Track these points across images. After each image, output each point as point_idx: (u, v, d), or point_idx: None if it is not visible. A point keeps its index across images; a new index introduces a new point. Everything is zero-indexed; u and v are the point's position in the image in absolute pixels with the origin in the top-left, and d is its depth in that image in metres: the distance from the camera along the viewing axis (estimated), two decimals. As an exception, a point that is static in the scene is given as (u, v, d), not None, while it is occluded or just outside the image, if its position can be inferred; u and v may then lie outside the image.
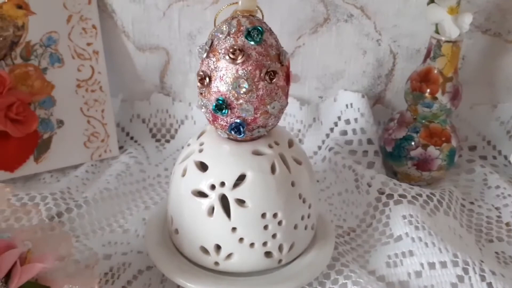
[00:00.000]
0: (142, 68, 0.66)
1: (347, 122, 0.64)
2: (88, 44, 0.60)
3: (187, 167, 0.39)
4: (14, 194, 0.49)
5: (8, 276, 0.31)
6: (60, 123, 0.59)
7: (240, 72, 0.35)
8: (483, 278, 0.42)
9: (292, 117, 0.67)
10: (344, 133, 0.64)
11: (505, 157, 0.65)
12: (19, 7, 0.54)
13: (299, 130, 0.66)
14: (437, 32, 0.52)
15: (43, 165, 0.58)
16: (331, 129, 0.65)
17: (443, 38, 0.52)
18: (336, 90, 0.65)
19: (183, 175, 0.39)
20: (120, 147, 0.65)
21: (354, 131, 0.63)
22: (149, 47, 0.65)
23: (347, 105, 0.64)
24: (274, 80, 0.35)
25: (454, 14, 0.49)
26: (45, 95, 0.58)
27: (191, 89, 0.67)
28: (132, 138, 0.68)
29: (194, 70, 0.65)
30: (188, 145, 0.41)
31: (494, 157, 0.65)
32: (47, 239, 0.36)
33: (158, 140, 0.68)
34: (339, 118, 0.65)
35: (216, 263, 0.39)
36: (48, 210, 0.48)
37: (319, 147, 0.65)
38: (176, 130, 0.68)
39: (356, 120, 0.63)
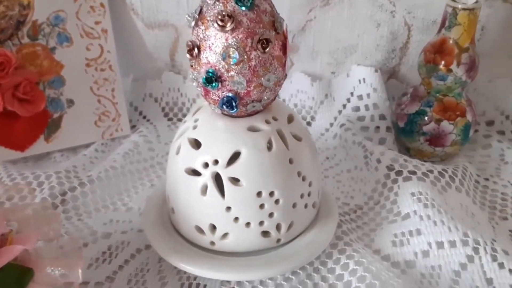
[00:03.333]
0: (152, 46, 0.62)
1: (360, 97, 0.59)
2: (97, 23, 0.57)
3: (181, 145, 0.36)
4: (20, 173, 0.47)
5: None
6: (70, 102, 0.57)
7: (230, 40, 0.30)
8: (494, 258, 0.37)
9: (303, 94, 0.62)
10: (357, 109, 0.59)
11: (525, 133, 0.58)
12: (24, -15, 0.51)
13: (311, 107, 0.62)
14: (452, -1, 0.46)
15: (54, 144, 0.56)
16: (344, 106, 0.60)
17: (459, 6, 0.46)
18: (349, 65, 0.60)
19: (177, 153, 0.36)
20: (133, 126, 0.62)
21: (366, 106, 0.58)
22: (158, 24, 0.61)
23: (359, 80, 0.59)
24: (267, 49, 0.31)
25: (470, -23, 0.44)
26: (54, 74, 0.55)
27: (201, 66, 0.63)
28: (145, 117, 0.65)
29: (202, 47, 0.61)
30: (184, 122, 0.38)
31: (512, 132, 0.59)
32: (35, 219, 0.33)
33: (170, 119, 0.65)
34: (351, 94, 0.60)
35: (212, 243, 0.36)
36: (52, 189, 0.45)
37: (331, 124, 0.60)
38: (188, 109, 0.65)
39: (368, 95, 0.58)
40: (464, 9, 0.46)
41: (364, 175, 0.50)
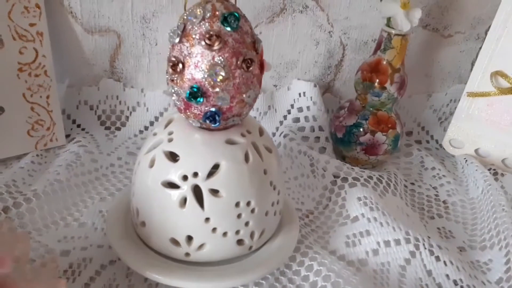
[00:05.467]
0: (90, 51, 0.60)
1: (300, 110, 0.63)
2: (31, 25, 0.53)
3: (156, 158, 0.36)
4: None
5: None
6: (0, 110, 0.52)
7: (216, 59, 0.32)
8: (431, 253, 0.43)
9: (248, 105, 0.65)
10: (297, 120, 0.63)
11: (437, 141, 0.68)
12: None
13: (255, 118, 0.64)
14: (387, 25, 0.52)
15: (-17, 155, 0.51)
16: (285, 117, 0.64)
17: (393, 31, 0.52)
18: (290, 79, 0.64)
19: (151, 166, 0.36)
20: (67, 136, 0.59)
21: (306, 118, 0.63)
22: (99, 29, 0.59)
23: (300, 94, 0.64)
24: (250, 68, 0.33)
25: (406, 9, 0.50)
26: (-18, 79, 0.51)
27: (144, 74, 0.62)
28: (79, 126, 0.62)
29: (147, 54, 0.61)
30: (154, 134, 0.38)
31: (427, 141, 0.68)
32: (1, 240, 0.31)
33: (107, 128, 0.63)
34: (292, 106, 0.64)
35: (187, 254, 0.36)
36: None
37: (273, 134, 0.63)
38: (127, 118, 0.63)
39: (308, 108, 0.63)
40: (397, 34, 0.52)
41: (311, 182, 0.54)
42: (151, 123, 0.63)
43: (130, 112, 0.63)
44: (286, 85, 0.64)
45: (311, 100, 0.62)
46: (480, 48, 0.59)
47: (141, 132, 0.63)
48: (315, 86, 0.63)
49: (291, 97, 0.64)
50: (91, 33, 0.59)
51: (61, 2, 0.56)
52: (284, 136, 0.61)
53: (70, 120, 0.62)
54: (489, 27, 0.58)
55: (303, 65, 0.63)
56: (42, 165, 0.53)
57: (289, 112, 0.64)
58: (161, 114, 0.64)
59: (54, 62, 0.55)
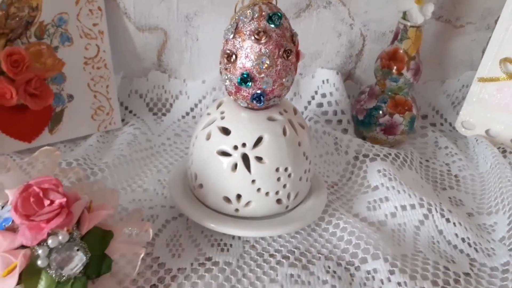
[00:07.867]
0: (141, 47, 0.69)
1: (323, 95, 0.70)
2: (94, 25, 0.62)
3: (211, 132, 0.44)
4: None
5: (77, 223, 0.35)
6: (70, 97, 0.62)
7: (263, 50, 0.40)
8: (442, 215, 0.50)
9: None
10: (320, 105, 0.70)
11: (450, 124, 0.74)
12: (34, -11, 0.55)
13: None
14: (403, 18, 0.59)
15: (57, 136, 0.61)
16: (309, 102, 0.71)
17: (409, 24, 0.59)
18: (314, 68, 0.71)
19: (208, 138, 0.44)
20: (122, 120, 0.68)
21: (329, 103, 0.70)
22: (148, 27, 0.67)
23: (323, 81, 0.71)
24: (289, 57, 0.41)
25: (420, 4, 0.57)
26: (56, 71, 0.60)
27: (186, 67, 0.70)
28: (131, 112, 0.71)
29: (189, 49, 0.69)
30: (208, 114, 0.46)
31: (441, 124, 0.75)
32: (97, 193, 0.40)
33: (155, 114, 0.71)
34: (316, 92, 0.71)
35: (236, 210, 0.45)
36: (77, 174, 0.51)
37: (299, 118, 0.71)
38: (171, 105, 0.72)
39: (331, 93, 0.70)
40: (412, 26, 0.59)
41: (335, 158, 0.61)
42: (192, 109, 0.72)
43: (174, 100, 0.72)
44: (311, 74, 0.71)
45: (334, 86, 0.69)
46: (490, 37, 0.64)
47: (183, 117, 0.71)
48: (337, 73, 0.70)
49: (315, 84, 0.71)
50: (142, 31, 0.67)
51: (118, 4, 0.65)
52: (309, 119, 0.68)
53: (123, 107, 0.71)
54: (498, 17, 0.64)
55: (326, 55, 0.70)
56: (105, 143, 0.62)
57: (313, 98, 0.71)
58: (200, 101, 0.72)
59: (111, 56, 0.64)
